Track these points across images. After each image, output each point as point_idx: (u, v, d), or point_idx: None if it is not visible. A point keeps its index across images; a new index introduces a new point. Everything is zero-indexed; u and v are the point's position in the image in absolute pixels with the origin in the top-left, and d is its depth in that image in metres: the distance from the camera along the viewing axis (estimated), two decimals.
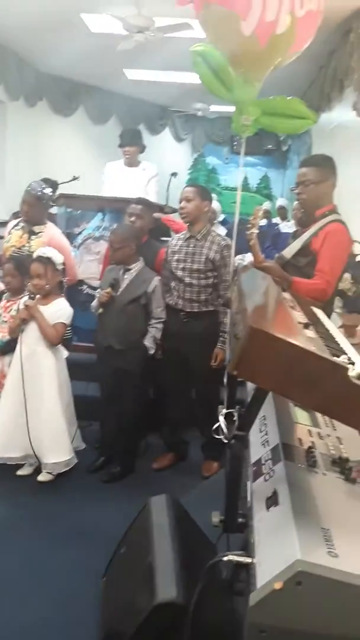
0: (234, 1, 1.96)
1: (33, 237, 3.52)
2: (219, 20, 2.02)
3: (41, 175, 5.87)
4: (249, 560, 1.16)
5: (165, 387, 3.33)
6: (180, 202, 3.13)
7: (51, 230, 3.59)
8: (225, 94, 2.07)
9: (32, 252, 3.40)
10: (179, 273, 3.10)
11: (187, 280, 3.08)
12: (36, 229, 3.54)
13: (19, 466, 3.11)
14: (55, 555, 2.50)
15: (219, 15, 1.98)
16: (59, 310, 3.08)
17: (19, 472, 3.10)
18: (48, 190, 3.57)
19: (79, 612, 2.15)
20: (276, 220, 7.35)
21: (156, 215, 3.78)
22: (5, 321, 3.21)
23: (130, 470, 3.22)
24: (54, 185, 3.71)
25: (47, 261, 3.04)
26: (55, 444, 3.03)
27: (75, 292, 3.93)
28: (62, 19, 5.02)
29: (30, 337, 3.04)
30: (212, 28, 2.11)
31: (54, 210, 4.34)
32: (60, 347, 3.16)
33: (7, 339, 3.17)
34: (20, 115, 6.71)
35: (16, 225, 3.60)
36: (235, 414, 1.47)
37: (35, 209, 3.50)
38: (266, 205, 7.73)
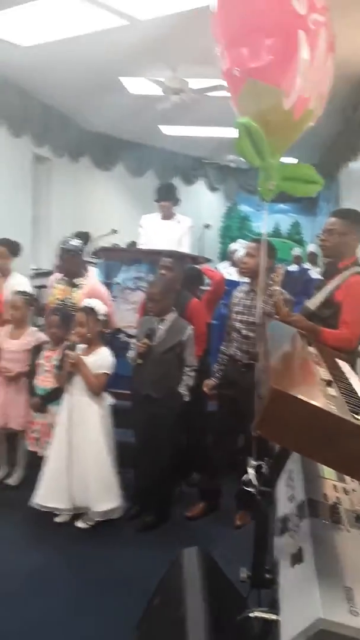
0: (280, 80, 2.13)
1: (75, 289, 3.71)
2: (263, 95, 2.17)
3: (82, 227, 6.18)
4: (274, 617, 1.20)
5: (216, 434, 3.36)
6: (244, 257, 3.22)
7: (91, 281, 3.77)
8: (258, 161, 2.22)
9: (75, 303, 3.59)
10: (237, 325, 3.19)
11: (244, 332, 3.16)
12: (77, 281, 3.73)
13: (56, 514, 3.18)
14: (90, 603, 2.53)
15: (264, 90, 2.15)
16: (100, 360, 3.17)
17: (57, 519, 3.16)
18: (79, 243, 3.76)
19: None
20: (307, 265, 7.43)
21: (198, 266, 3.92)
22: (47, 370, 3.34)
23: (164, 519, 3.24)
24: (85, 237, 3.90)
25: (90, 311, 3.17)
26: (105, 492, 3.07)
27: (112, 339, 4.06)
28: (104, 81, 5.36)
29: (76, 387, 3.15)
30: (254, 101, 2.25)
31: (93, 261, 4.56)
32: (105, 395, 3.24)
33: (50, 387, 3.29)
34: (64, 171, 7.09)
35: (60, 278, 3.80)
36: (265, 466, 1.51)
37: (70, 263, 3.69)
38: (297, 251, 7.86)
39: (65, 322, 3.37)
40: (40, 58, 4.71)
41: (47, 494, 3.10)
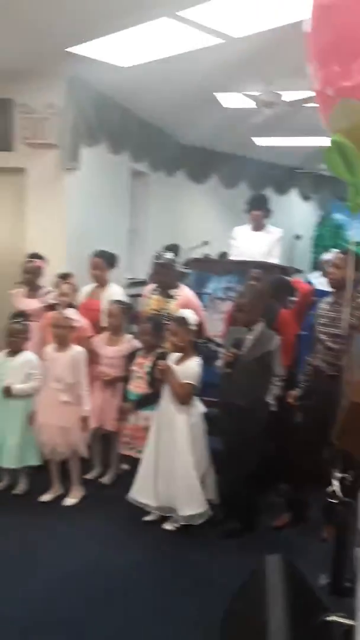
0: None
1: (170, 300, 3.87)
2: (356, 113, 2.19)
3: (176, 239, 6.36)
4: (350, 622, 1.22)
5: (300, 445, 3.34)
6: (330, 268, 3.23)
7: (185, 292, 3.92)
8: (348, 177, 2.23)
9: (170, 314, 3.75)
10: (322, 336, 3.20)
11: (329, 344, 3.16)
12: (171, 292, 3.89)
13: (146, 512, 3.32)
14: (171, 603, 2.64)
15: (357, 109, 2.17)
16: (188, 370, 3.28)
17: (146, 518, 3.31)
18: (172, 256, 3.91)
19: None
20: None
21: (287, 277, 3.95)
22: (139, 376, 3.51)
23: (249, 527, 3.28)
24: (176, 249, 4.04)
25: (182, 321, 3.31)
26: (189, 498, 3.18)
27: (202, 348, 4.17)
28: (199, 97, 5.52)
29: (166, 394, 3.30)
30: (346, 119, 2.27)
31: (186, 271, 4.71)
32: (195, 403, 3.34)
33: (142, 393, 3.46)
34: (160, 185, 7.34)
35: (154, 290, 3.97)
36: (349, 478, 1.53)
37: (164, 275, 3.85)
38: None
39: (157, 330, 3.53)
40: (139, 78, 4.94)
41: (140, 491, 3.27)
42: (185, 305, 3.73)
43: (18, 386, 3.47)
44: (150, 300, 3.94)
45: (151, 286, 4.09)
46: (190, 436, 3.24)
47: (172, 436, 3.23)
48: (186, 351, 3.33)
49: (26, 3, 3.58)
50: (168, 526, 3.24)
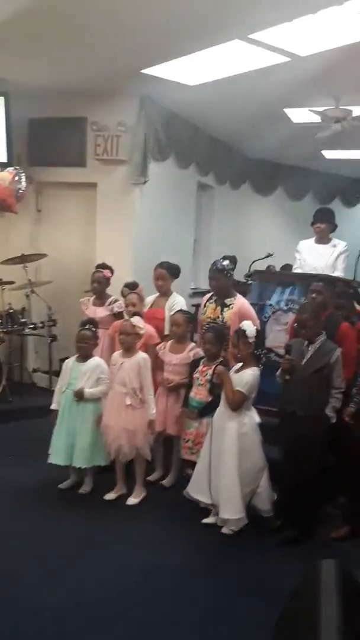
0: None
1: (225, 309, 3.98)
2: None
3: (239, 250, 6.46)
4: None
5: (356, 459, 3.35)
6: None
7: (240, 301, 4.01)
8: None
9: (226, 322, 3.86)
10: None
11: None
12: (227, 301, 4.00)
13: (206, 514, 3.43)
14: (225, 604, 2.71)
15: None
16: (243, 379, 3.37)
17: (206, 521, 3.42)
18: (227, 263, 4.00)
19: None
20: None
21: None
22: (201, 384, 3.63)
23: (306, 536, 3.31)
24: (233, 259, 4.14)
25: (242, 333, 3.41)
26: (228, 501, 3.29)
27: (261, 358, 4.23)
28: (268, 113, 5.63)
29: (222, 400, 3.41)
30: None
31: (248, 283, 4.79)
32: (251, 413, 3.42)
33: (203, 400, 3.58)
34: (225, 198, 7.49)
35: (209, 298, 4.10)
36: None
37: (219, 281, 3.96)
38: None
39: (219, 339, 3.64)
40: (207, 95, 5.12)
41: (196, 487, 3.45)
42: (241, 314, 3.84)
43: (89, 390, 3.67)
44: (206, 309, 4.07)
45: (207, 295, 4.21)
46: (238, 444, 3.34)
47: (222, 441, 3.35)
48: (246, 362, 3.42)
49: (104, 27, 3.83)
50: (225, 530, 3.33)
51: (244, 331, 3.41)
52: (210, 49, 4.10)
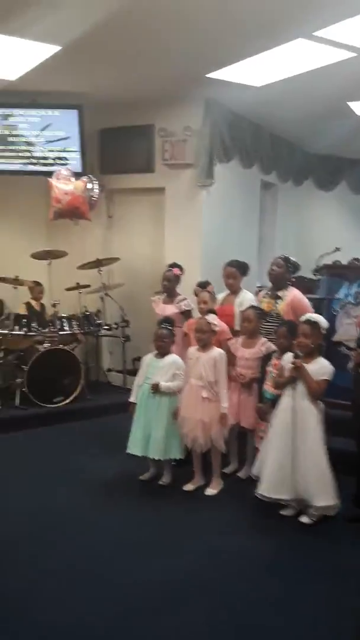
0: None
1: (278, 301, 4.13)
2: None
3: (304, 246, 6.48)
4: None
5: None
6: None
7: (292, 293, 4.15)
8: None
9: (279, 314, 4.03)
10: None
11: None
12: (280, 293, 4.15)
13: (282, 506, 3.52)
14: (312, 590, 2.79)
15: None
16: (322, 368, 3.45)
17: (283, 512, 3.51)
18: (284, 258, 4.22)
19: None
20: None
21: None
22: (275, 377, 3.72)
23: None
24: (296, 265, 4.27)
25: (314, 324, 3.48)
26: (324, 489, 3.34)
27: (333, 352, 4.27)
28: (331, 108, 5.63)
29: (298, 392, 3.49)
30: None
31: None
32: (319, 401, 3.51)
33: (277, 393, 3.66)
34: (288, 195, 7.52)
35: (264, 295, 4.28)
36: None
37: (280, 270, 4.16)
38: None
39: (291, 333, 3.72)
40: (271, 95, 5.20)
41: (270, 486, 3.46)
42: (294, 306, 4.02)
43: (165, 383, 3.84)
44: (262, 304, 4.21)
45: (261, 292, 4.35)
46: (320, 431, 3.41)
47: (305, 432, 3.40)
48: (314, 353, 3.48)
49: (170, 35, 3.99)
50: (305, 519, 3.41)
51: (316, 322, 3.47)
52: (275, 49, 4.19)
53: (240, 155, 6.11)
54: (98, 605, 2.62)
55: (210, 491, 3.86)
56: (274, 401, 3.69)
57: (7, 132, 5.72)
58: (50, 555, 3.06)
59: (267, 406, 3.74)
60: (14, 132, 5.72)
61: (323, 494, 3.33)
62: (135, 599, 2.69)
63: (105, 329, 5.88)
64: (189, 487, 3.91)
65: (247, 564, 3.03)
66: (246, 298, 4.41)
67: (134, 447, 3.90)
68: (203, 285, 4.57)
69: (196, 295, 4.51)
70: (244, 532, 3.39)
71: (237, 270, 4.48)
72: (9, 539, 3.20)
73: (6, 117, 5.66)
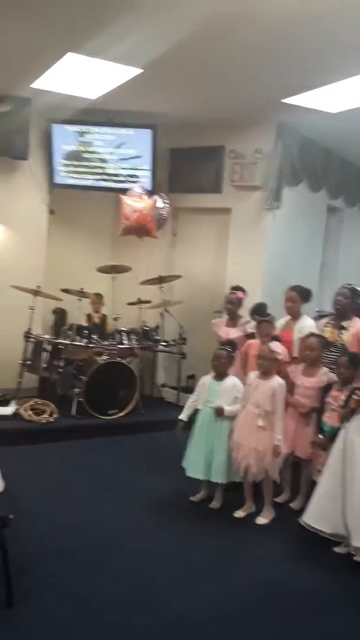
0: None
1: (343, 331, 4.07)
2: None
3: None
4: None
5: None
6: None
7: (358, 324, 4.08)
8: None
9: (344, 344, 3.96)
10: None
11: None
12: (344, 324, 4.09)
13: (336, 543, 3.42)
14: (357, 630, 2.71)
15: None
16: None
17: (336, 549, 3.41)
18: (351, 287, 4.15)
19: None
20: None
21: None
22: (334, 409, 3.65)
23: None
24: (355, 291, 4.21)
25: None
26: None
27: None
28: None
29: (353, 426, 3.40)
30: None
31: None
32: None
33: (337, 426, 3.59)
34: (354, 220, 7.39)
35: (326, 324, 4.20)
36: None
37: (346, 301, 4.11)
38: None
39: (353, 364, 3.64)
40: (345, 122, 5.14)
41: (316, 516, 3.40)
42: (358, 335, 3.95)
43: (228, 408, 3.83)
44: (324, 333, 4.13)
45: (324, 320, 4.30)
46: None
47: (353, 467, 3.31)
48: None
49: (248, 59, 4.02)
50: (358, 558, 3.30)
51: None
52: (352, 78, 4.16)
53: (308, 179, 6.07)
54: (150, 631, 2.62)
55: (261, 520, 3.80)
56: (334, 434, 3.61)
57: (82, 149, 5.91)
58: (101, 573, 3.06)
59: (326, 439, 3.66)
60: (89, 149, 5.91)
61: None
62: (184, 627, 2.67)
63: (162, 345, 5.93)
64: (239, 514, 3.88)
65: (293, 599, 2.97)
66: (306, 325, 4.36)
67: (196, 470, 3.89)
68: (260, 310, 4.54)
69: (253, 319, 4.49)
70: (293, 565, 3.32)
71: (299, 295, 4.44)
72: (57, 553, 3.22)
73: (83, 134, 5.86)
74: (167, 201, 5.82)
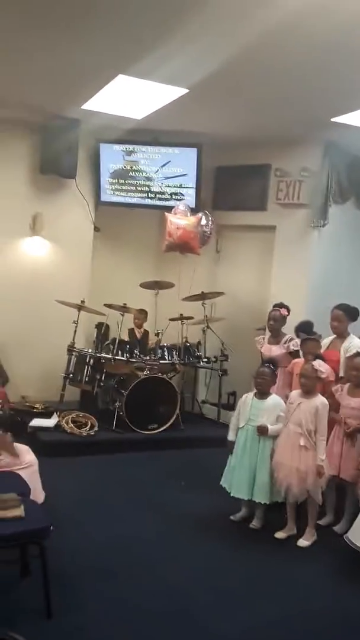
0: None
1: None
2: None
3: None
4: None
5: None
6: None
7: (354, 341, 4.17)
8: None
9: None
10: None
11: None
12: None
13: None
14: None
15: None
16: None
17: None
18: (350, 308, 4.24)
19: None
20: None
21: None
22: None
23: None
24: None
25: None
26: None
27: None
28: None
29: None
30: None
31: None
32: None
33: None
34: None
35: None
36: None
37: (342, 324, 4.19)
38: None
39: None
40: None
41: (357, 534, 3.32)
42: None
43: (272, 427, 3.77)
44: None
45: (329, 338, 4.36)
46: None
47: None
48: None
49: (297, 81, 4.03)
50: None
51: None
52: None
53: (356, 196, 5.99)
54: None
55: (304, 542, 3.71)
56: None
57: (128, 167, 6.04)
58: (138, 590, 3.04)
59: None
60: (135, 168, 6.02)
61: None
62: None
63: (204, 361, 5.91)
64: (280, 535, 3.79)
65: (332, 624, 2.88)
66: (353, 344, 4.27)
67: (240, 490, 3.82)
68: (305, 327, 4.47)
69: (299, 337, 4.44)
70: (334, 589, 3.22)
71: (345, 314, 4.37)
72: (95, 567, 3.21)
73: (129, 153, 5.98)
74: (211, 218, 5.85)
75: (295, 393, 3.81)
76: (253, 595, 3.11)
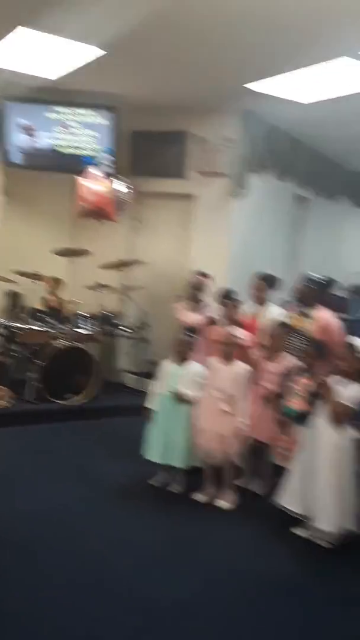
0: None
1: (307, 319, 4.07)
2: None
3: (333, 263, 6.38)
4: None
5: None
6: None
7: (321, 313, 4.11)
8: None
9: (306, 332, 3.97)
10: None
11: None
12: (309, 312, 4.11)
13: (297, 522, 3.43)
14: (333, 615, 2.71)
15: None
16: (352, 394, 3.32)
17: (295, 530, 3.42)
18: (321, 277, 4.20)
19: None
20: None
21: None
22: (299, 394, 3.64)
23: None
24: (330, 281, 4.28)
25: (350, 348, 3.42)
26: (323, 513, 3.25)
27: None
28: None
29: (323, 413, 3.39)
30: None
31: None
32: (349, 428, 3.36)
33: (298, 410, 3.58)
34: (322, 210, 7.41)
35: (291, 309, 4.25)
36: None
37: (307, 294, 4.12)
38: None
39: (318, 353, 3.64)
40: (317, 113, 5.14)
41: (285, 496, 3.44)
42: (324, 327, 3.95)
43: (190, 393, 3.78)
44: (291, 319, 4.14)
45: (288, 306, 4.35)
46: (336, 457, 3.31)
47: (318, 452, 3.33)
48: (352, 377, 3.39)
49: (209, 44, 3.95)
50: (323, 543, 3.30)
51: (352, 345, 3.40)
52: (320, 66, 4.14)
53: (276, 167, 6.05)
54: (103, 620, 2.53)
55: (224, 504, 3.78)
56: (298, 417, 3.61)
57: (39, 127, 5.71)
58: (55, 560, 2.97)
59: (282, 421, 3.66)
60: (47, 128, 5.71)
61: (323, 518, 3.24)
62: (140, 616, 2.59)
63: (123, 330, 5.83)
64: (199, 497, 3.84)
65: (255, 585, 2.93)
66: (272, 312, 4.35)
67: (154, 454, 3.84)
68: (227, 295, 4.51)
69: (223, 304, 4.46)
70: (253, 550, 3.29)
71: (265, 282, 4.43)
72: (11, 541, 3.11)
73: (41, 113, 5.67)
74: (129, 184, 5.69)
75: (214, 359, 3.83)
76: (176, 559, 3.11)
